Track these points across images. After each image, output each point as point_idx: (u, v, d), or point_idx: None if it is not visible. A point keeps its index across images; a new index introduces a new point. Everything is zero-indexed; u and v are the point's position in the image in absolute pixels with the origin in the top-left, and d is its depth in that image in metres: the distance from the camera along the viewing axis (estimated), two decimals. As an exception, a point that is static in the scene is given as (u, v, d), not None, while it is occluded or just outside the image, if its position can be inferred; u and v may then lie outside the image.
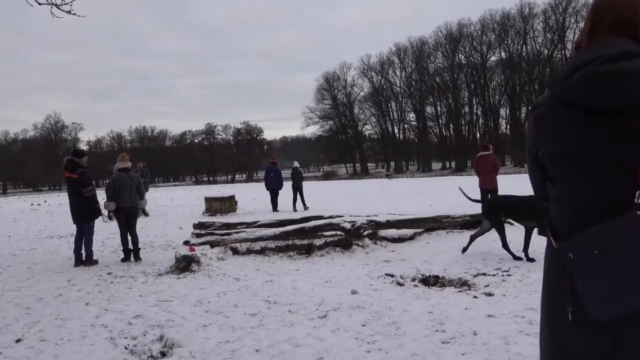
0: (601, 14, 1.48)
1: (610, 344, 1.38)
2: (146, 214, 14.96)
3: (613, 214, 1.33)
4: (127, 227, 7.96)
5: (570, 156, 1.44)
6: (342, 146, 79.03)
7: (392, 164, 78.08)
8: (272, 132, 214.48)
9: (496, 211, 7.04)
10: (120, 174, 8.04)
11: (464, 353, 3.53)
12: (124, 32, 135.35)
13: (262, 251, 7.93)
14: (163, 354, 3.82)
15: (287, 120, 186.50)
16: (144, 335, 4.22)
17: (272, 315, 4.64)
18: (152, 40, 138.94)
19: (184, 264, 6.82)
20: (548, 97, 1.51)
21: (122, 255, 7.97)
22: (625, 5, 1.45)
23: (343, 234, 8.25)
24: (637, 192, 1.32)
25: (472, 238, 7.30)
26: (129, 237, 7.95)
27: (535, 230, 6.65)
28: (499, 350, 3.54)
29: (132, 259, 7.86)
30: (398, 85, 76.50)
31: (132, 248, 7.92)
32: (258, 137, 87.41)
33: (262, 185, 18.18)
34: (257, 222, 9.12)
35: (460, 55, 69.58)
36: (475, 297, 4.96)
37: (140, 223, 9.95)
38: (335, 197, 20.92)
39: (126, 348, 3.95)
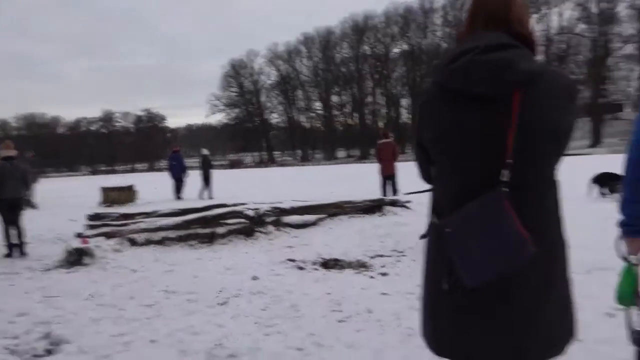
0: (478, 9, 1.60)
1: (481, 308, 1.51)
2: (34, 206, 13.89)
3: (484, 191, 1.45)
4: (11, 219, 7.35)
5: (448, 139, 1.54)
6: (248, 134, 78.28)
7: (299, 152, 78.72)
8: (176, 120, 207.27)
9: None
10: (3, 163, 7.39)
11: (359, 330, 3.69)
12: (5, 10, 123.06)
13: (162, 241, 7.68)
14: (49, 352, 3.59)
15: (192, 107, 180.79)
16: (28, 333, 3.93)
17: (171, 305, 4.54)
18: (39, 20, 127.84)
19: (76, 257, 6.43)
20: (432, 84, 1.61)
21: (4, 251, 7.35)
22: (497, 5, 1.57)
23: (247, 221, 8.21)
24: (505, 171, 1.44)
25: None
26: (14, 231, 7.35)
27: None
28: (391, 325, 3.73)
29: (16, 254, 7.28)
30: (305, 74, 77.05)
31: (16, 242, 7.34)
32: (161, 125, 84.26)
33: (166, 174, 17.66)
34: (157, 211, 8.81)
35: (365, 46, 71.39)
36: (371, 277, 5.19)
37: (28, 216, 9.21)
38: (241, 186, 20.75)
39: (6, 348, 3.66)
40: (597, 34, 54.88)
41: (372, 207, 9.48)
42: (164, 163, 41.44)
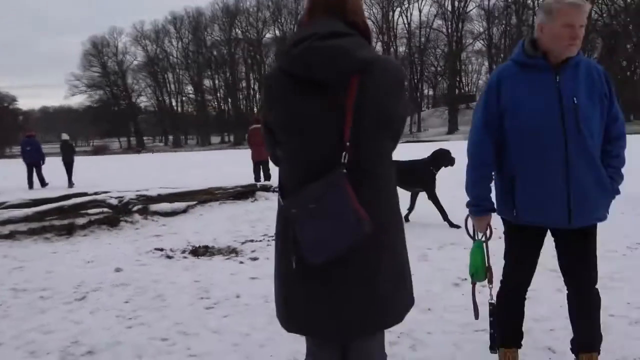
0: None
1: (321, 278, 1.58)
2: None
3: (326, 172, 1.52)
4: None
5: (291, 122, 1.59)
6: (114, 118, 73.34)
7: (171, 137, 75.70)
8: (28, 101, 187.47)
9: None
10: None
11: (226, 315, 3.70)
12: None
13: (10, 235, 6.96)
14: None
15: (48, 88, 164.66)
16: None
17: (20, 304, 4.15)
18: None
19: None
20: (276, 69, 1.64)
21: None
22: None
23: (110, 210, 7.75)
24: (343, 153, 1.53)
25: None
26: None
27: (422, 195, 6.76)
28: (259, 309, 3.79)
29: None
30: (175, 55, 73.98)
31: None
32: (11, 107, 75.61)
33: (18, 161, 16.16)
34: (4, 202, 7.97)
35: (237, 29, 70.35)
36: (241, 262, 5.21)
37: None
38: (105, 173, 19.49)
39: None
40: (451, 30, 59.91)
41: (244, 193, 9.50)
42: (16, 149, 37.33)
